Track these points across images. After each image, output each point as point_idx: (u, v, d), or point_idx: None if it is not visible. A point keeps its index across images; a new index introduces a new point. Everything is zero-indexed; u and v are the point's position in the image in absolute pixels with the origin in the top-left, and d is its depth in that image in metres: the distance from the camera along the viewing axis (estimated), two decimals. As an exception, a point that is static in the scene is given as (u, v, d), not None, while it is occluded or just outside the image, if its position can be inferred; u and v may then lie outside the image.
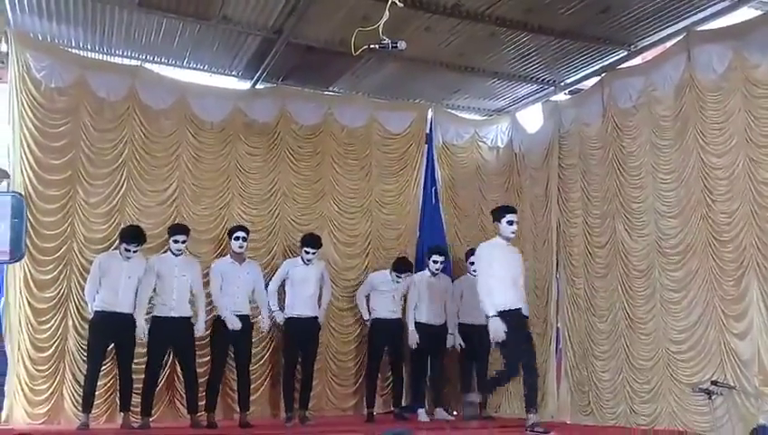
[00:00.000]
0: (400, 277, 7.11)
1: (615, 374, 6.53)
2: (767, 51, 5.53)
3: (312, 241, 6.78)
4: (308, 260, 6.73)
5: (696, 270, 5.93)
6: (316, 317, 6.76)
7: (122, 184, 6.83)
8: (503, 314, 5.61)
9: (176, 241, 6.27)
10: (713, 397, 5.57)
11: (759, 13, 5.99)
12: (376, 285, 7.20)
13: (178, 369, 6.46)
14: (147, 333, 6.08)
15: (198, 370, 6.35)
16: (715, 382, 5.58)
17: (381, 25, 4.81)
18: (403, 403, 7.29)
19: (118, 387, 6.18)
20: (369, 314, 7.19)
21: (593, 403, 6.84)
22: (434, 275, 7.28)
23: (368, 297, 7.27)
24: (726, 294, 5.68)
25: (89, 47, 7.07)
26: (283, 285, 6.85)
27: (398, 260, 7.24)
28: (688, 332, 5.94)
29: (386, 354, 7.22)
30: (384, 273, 7.25)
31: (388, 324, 7.08)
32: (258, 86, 7.76)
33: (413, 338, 7.10)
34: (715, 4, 6.02)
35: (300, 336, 6.66)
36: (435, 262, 7.25)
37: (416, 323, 7.19)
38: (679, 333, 5.97)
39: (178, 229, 6.38)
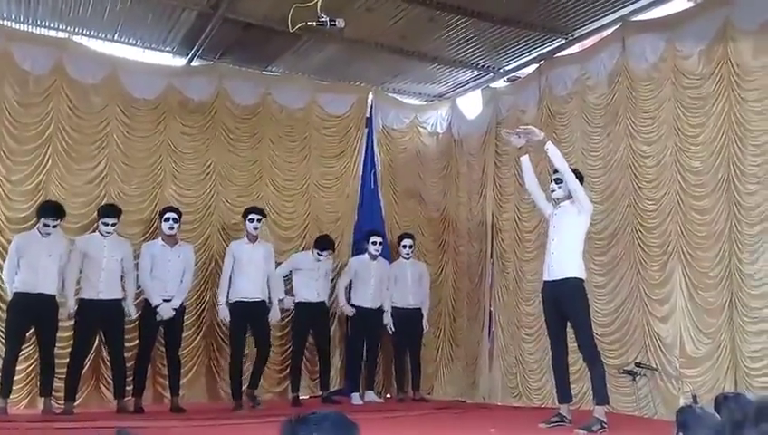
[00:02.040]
0: (322, 255, 6.98)
1: (542, 356, 6.65)
2: (698, 42, 5.66)
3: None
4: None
5: (622, 255, 6.08)
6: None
7: (47, 161, 6.56)
8: None
9: (105, 223, 6.06)
10: (636, 378, 5.74)
11: (691, 4, 6.12)
12: (297, 264, 7.08)
13: (104, 352, 6.29)
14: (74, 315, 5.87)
15: (126, 354, 6.18)
16: (638, 364, 5.75)
17: (319, 2, 4.73)
18: (332, 387, 7.26)
19: (39, 371, 5.96)
20: (292, 296, 7.04)
21: (521, 385, 6.97)
22: (373, 257, 7.26)
23: (288, 279, 7.14)
24: (651, 278, 5.85)
25: (13, 18, 6.73)
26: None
27: (319, 238, 7.11)
28: (613, 315, 6.10)
29: (311, 338, 7.14)
30: (306, 253, 7.17)
31: (312, 308, 6.97)
32: (194, 63, 7.55)
33: (348, 309, 7.18)
34: (650, -6, 6.14)
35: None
36: (374, 243, 7.23)
37: (353, 306, 7.18)
38: (604, 317, 6.11)
39: (110, 211, 6.14)
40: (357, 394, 7.14)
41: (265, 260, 6.74)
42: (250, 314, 6.56)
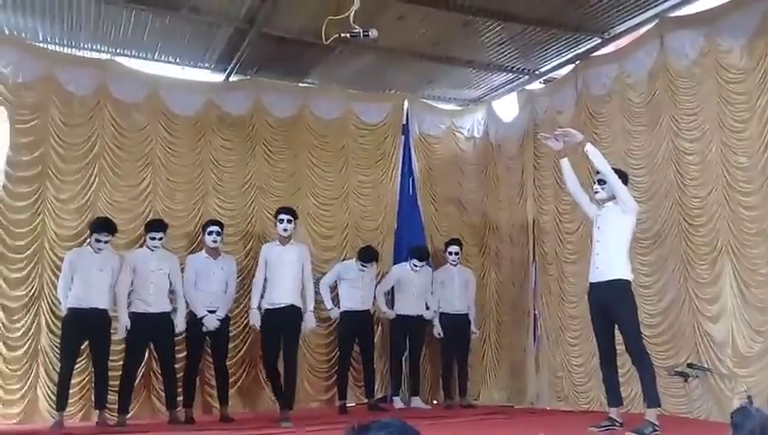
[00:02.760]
0: (365, 266, 7.04)
1: (587, 359, 6.57)
2: (738, 36, 5.56)
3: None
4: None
5: (669, 254, 5.98)
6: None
7: (94, 179, 6.74)
8: None
9: (152, 238, 6.21)
10: (688, 380, 5.63)
11: (728, -1, 6.02)
12: (342, 273, 7.13)
13: (154, 365, 6.41)
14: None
15: (175, 365, 6.29)
16: (690, 365, 5.64)
17: (352, 14, 4.77)
18: (378, 394, 7.28)
19: (93, 384, 6.11)
20: (338, 305, 7.11)
21: (567, 389, 6.89)
22: (414, 270, 7.29)
23: (334, 288, 7.21)
24: (699, 277, 5.74)
25: (57, 41, 6.94)
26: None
27: (363, 249, 7.13)
28: (662, 315, 6.00)
29: (357, 345, 7.17)
30: (350, 262, 7.20)
31: (357, 316, 7.01)
32: (231, 78, 7.68)
33: (388, 311, 7.20)
34: (686, -10, 6.06)
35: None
36: (415, 265, 7.26)
37: (396, 314, 7.22)
38: (653, 317, 6.01)
39: (156, 226, 6.29)
40: (398, 398, 7.15)
41: (298, 263, 6.30)
42: (281, 320, 6.13)
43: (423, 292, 7.34)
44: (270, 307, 6.21)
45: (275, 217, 6.51)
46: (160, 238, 6.24)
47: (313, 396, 7.34)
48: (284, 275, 6.23)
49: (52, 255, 6.41)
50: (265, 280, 6.29)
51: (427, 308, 7.36)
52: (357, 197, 7.96)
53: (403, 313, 7.25)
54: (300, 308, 6.23)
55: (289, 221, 6.35)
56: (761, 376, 5.20)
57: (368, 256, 7.05)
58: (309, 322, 6.29)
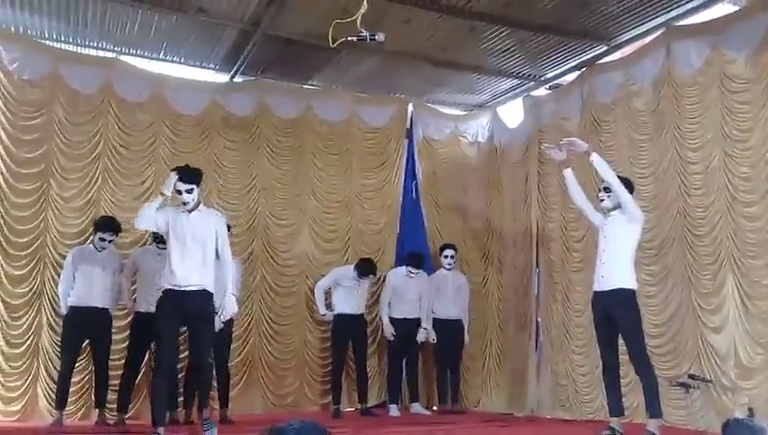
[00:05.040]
0: (361, 278, 7.05)
1: (592, 368, 6.55)
2: (743, 46, 5.55)
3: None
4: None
5: (673, 264, 5.97)
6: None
7: (97, 178, 6.75)
8: None
9: (157, 238, 6.16)
10: (690, 391, 5.60)
11: (736, 8, 6.01)
12: (338, 279, 7.12)
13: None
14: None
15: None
16: (692, 376, 5.61)
17: (359, 17, 4.76)
18: (376, 400, 7.28)
19: (93, 383, 6.10)
20: (332, 309, 7.11)
21: (571, 397, 6.87)
22: (410, 276, 7.27)
23: (329, 293, 7.21)
24: (703, 287, 5.71)
25: (62, 39, 6.96)
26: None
27: (361, 262, 7.12)
28: (665, 326, 5.97)
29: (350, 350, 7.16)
30: (348, 268, 7.18)
31: (351, 320, 7.02)
32: (236, 79, 7.68)
33: (389, 330, 7.12)
34: (693, -1, 6.05)
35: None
36: (411, 272, 7.24)
37: (391, 318, 7.18)
38: (656, 327, 5.98)
39: None
40: (395, 406, 7.09)
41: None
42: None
43: (419, 297, 7.29)
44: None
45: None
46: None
47: (312, 400, 7.33)
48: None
49: (55, 252, 6.42)
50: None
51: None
52: (360, 200, 7.96)
53: (399, 316, 7.20)
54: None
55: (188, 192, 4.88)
56: (763, 388, 5.18)
57: (364, 270, 7.06)
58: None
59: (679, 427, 5.63)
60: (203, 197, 6.98)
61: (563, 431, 5.93)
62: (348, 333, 7.04)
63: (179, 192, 4.82)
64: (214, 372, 6.42)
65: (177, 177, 4.83)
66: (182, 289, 4.75)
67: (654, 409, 4.84)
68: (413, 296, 7.26)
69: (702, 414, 5.58)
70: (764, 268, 5.28)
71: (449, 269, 7.50)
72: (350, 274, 7.08)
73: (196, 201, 4.90)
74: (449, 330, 7.33)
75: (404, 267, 7.32)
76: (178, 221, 4.84)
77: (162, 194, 4.88)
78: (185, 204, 4.84)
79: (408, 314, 7.23)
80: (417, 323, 7.26)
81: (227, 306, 4.93)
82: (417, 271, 7.22)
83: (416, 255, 7.34)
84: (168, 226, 4.84)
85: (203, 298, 4.82)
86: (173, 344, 4.92)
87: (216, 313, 5.03)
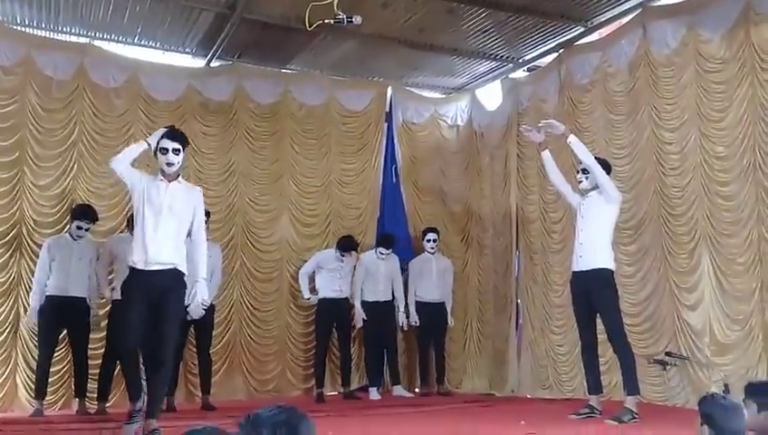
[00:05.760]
0: (344, 256, 7.04)
1: (572, 348, 6.62)
2: (719, 26, 5.59)
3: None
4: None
5: (649, 244, 6.03)
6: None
7: (73, 165, 6.66)
8: None
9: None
10: (667, 368, 5.69)
11: (712, -12, 6.03)
12: (321, 262, 7.12)
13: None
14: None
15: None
16: (669, 353, 5.70)
17: (336, 0, 4.73)
18: (356, 383, 7.30)
19: (72, 373, 6.06)
20: (316, 292, 7.10)
21: (551, 377, 6.95)
22: (380, 258, 7.27)
23: (313, 278, 7.20)
24: (679, 266, 5.79)
25: (35, 24, 6.81)
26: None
27: (342, 239, 7.14)
28: (642, 305, 6.05)
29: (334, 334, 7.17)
30: (330, 251, 7.18)
31: (335, 304, 7.02)
32: (213, 64, 7.59)
33: (359, 316, 7.11)
34: (669, -21, 6.06)
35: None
36: (381, 253, 7.23)
37: (363, 301, 7.17)
38: (633, 306, 6.05)
39: None
40: (375, 389, 7.08)
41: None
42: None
43: (389, 279, 7.29)
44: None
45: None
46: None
47: (295, 385, 7.34)
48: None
49: (31, 241, 6.34)
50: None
51: (393, 297, 7.30)
52: (339, 184, 7.93)
53: (371, 299, 7.19)
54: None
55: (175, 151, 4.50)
56: (737, 364, 5.27)
57: (347, 245, 7.05)
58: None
59: (657, 403, 5.73)
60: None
61: (544, 410, 6.00)
62: (332, 318, 7.04)
63: (165, 150, 4.35)
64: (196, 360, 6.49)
65: (165, 131, 4.44)
66: (152, 269, 4.29)
67: (631, 386, 4.92)
68: (384, 278, 7.25)
69: (679, 391, 5.69)
70: (739, 247, 5.36)
71: (432, 252, 7.52)
72: (332, 255, 7.08)
73: (177, 171, 4.48)
74: (433, 312, 7.35)
75: (373, 250, 7.32)
76: (154, 189, 4.35)
77: (147, 143, 4.45)
78: (169, 165, 4.37)
79: (379, 298, 7.21)
80: (388, 305, 7.24)
81: (199, 292, 4.47)
82: (387, 251, 7.20)
83: (387, 236, 7.34)
84: (141, 185, 4.36)
85: (174, 277, 4.37)
86: (138, 332, 4.30)
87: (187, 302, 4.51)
